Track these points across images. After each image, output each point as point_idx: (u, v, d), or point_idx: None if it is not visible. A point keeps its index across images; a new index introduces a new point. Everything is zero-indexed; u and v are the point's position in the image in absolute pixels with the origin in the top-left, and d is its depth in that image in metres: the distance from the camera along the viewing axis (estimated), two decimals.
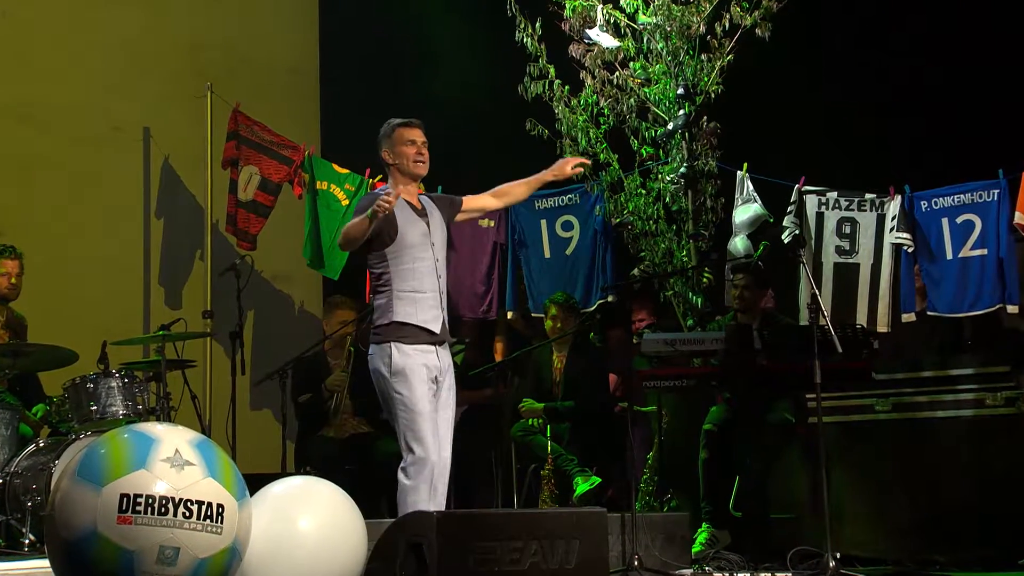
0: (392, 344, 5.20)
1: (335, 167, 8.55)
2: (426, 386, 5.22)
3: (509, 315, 8.45)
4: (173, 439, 4.15)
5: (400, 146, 5.40)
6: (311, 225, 8.48)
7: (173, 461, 4.08)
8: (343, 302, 7.79)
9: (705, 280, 7.69)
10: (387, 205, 5.01)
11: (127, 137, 8.94)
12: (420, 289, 5.27)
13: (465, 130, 9.16)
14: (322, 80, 9.75)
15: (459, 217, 5.64)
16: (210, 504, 4.07)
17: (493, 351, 8.60)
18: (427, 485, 5.12)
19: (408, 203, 5.37)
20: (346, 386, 7.48)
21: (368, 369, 5.29)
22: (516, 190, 5.71)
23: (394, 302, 5.24)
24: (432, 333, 5.28)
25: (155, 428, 4.29)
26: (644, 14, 7.85)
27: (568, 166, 5.63)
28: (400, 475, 5.15)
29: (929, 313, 7.55)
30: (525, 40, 7.96)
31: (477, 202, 5.71)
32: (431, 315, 5.29)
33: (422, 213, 5.41)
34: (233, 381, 7.59)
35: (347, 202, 8.43)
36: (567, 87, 7.99)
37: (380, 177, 8.35)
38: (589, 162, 6.08)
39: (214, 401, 8.26)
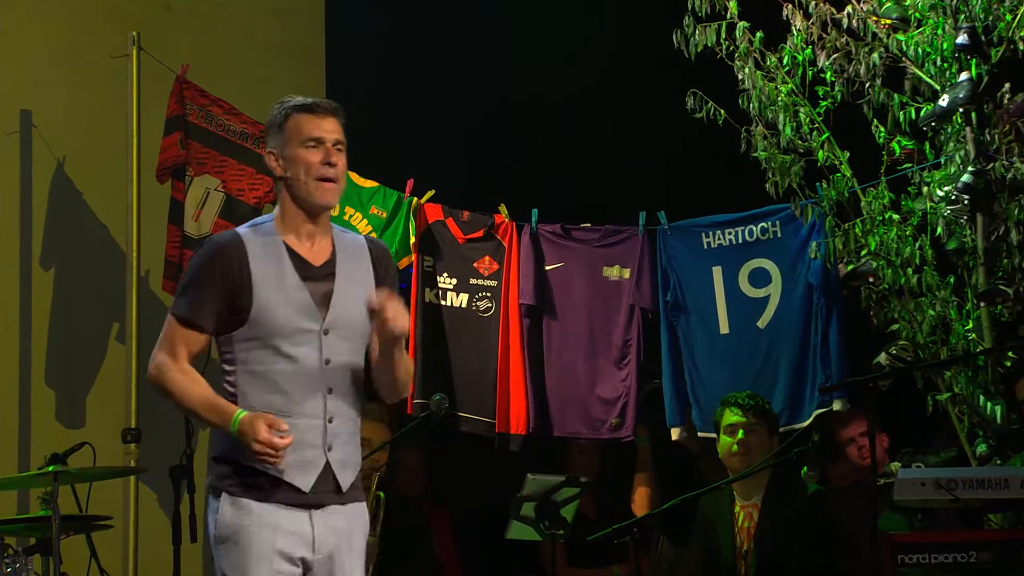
0: None
1: (355, 178, 8.58)
2: None
3: (675, 434, 8.58)
4: None
5: (296, 147, 5.38)
6: None
7: None
8: (371, 411, 7.68)
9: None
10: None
11: None
12: None
13: (571, 112, 9.26)
14: (329, 30, 9.84)
15: None
16: None
17: (630, 501, 8.67)
18: None
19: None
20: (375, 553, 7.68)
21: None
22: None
23: None
24: None
25: None
26: None
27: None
28: None
29: None
30: None
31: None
32: None
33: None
34: (176, 553, 7.69)
35: (375, 236, 8.38)
36: (759, 34, 8.16)
37: (431, 195, 8.70)
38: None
39: None
